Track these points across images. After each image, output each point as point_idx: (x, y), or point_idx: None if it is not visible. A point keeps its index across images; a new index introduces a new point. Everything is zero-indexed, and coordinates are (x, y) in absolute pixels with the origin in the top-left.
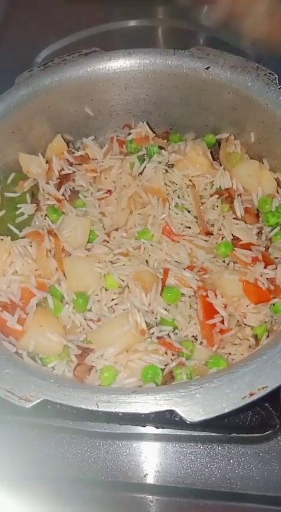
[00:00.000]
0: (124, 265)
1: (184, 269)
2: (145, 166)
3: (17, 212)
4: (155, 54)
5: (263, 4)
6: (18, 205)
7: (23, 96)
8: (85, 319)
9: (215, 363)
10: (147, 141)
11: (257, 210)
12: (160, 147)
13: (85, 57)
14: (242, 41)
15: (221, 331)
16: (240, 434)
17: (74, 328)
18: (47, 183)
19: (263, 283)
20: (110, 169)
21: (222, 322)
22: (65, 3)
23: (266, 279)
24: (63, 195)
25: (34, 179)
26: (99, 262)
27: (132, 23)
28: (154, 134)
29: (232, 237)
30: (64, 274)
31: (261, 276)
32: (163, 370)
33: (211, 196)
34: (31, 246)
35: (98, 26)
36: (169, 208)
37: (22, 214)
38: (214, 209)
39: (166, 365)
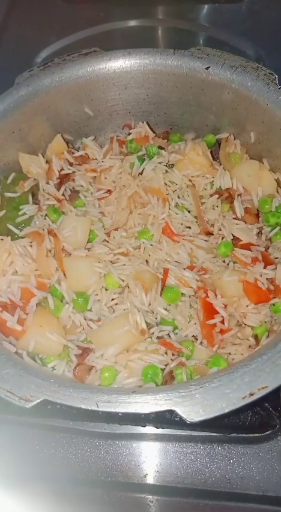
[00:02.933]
0: (124, 265)
1: (184, 269)
2: (144, 168)
3: (19, 213)
4: (155, 54)
5: None
6: (21, 207)
7: (23, 96)
8: (85, 319)
9: (216, 363)
10: (147, 141)
11: (257, 210)
12: (160, 147)
13: (85, 57)
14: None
15: (222, 331)
16: (240, 434)
17: (74, 328)
18: (47, 183)
19: (263, 283)
20: (110, 169)
21: (222, 322)
22: (65, 3)
23: (266, 279)
24: (63, 195)
25: (34, 179)
26: (99, 262)
27: (132, 23)
28: (154, 134)
29: (232, 237)
30: (64, 274)
31: (261, 276)
32: (163, 370)
33: (211, 196)
34: (31, 246)
35: (98, 26)
36: (169, 208)
37: (23, 214)
38: (214, 209)
39: (166, 365)
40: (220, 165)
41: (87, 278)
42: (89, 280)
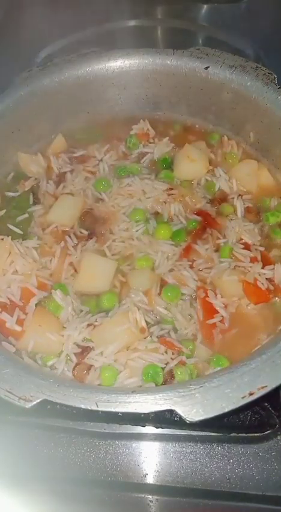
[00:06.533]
0: None
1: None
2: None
3: (26, 213)
4: (154, 54)
5: None
6: (28, 209)
7: (22, 97)
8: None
9: (218, 362)
10: (147, 138)
11: (258, 209)
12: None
13: (84, 57)
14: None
15: (222, 331)
16: (240, 434)
17: None
18: (47, 182)
19: (262, 283)
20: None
21: (222, 322)
22: (64, 3)
23: (265, 279)
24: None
25: (35, 178)
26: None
27: (132, 23)
28: (154, 133)
29: (235, 240)
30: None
31: (259, 275)
32: (163, 369)
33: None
34: (39, 246)
35: (98, 26)
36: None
37: (24, 213)
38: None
39: (166, 364)
40: (219, 165)
41: (98, 279)
42: (99, 282)
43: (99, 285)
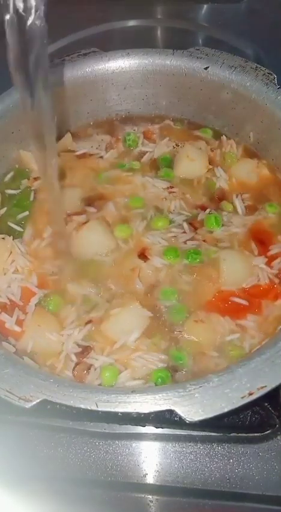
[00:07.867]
0: None
1: None
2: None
3: (24, 210)
4: (154, 54)
5: None
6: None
7: None
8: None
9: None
10: (152, 135)
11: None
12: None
13: (84, 58)
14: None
15: None
16: (240, 434)
17: None
18: None
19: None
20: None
21: None
22: (64, 3)
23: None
24: None
25: (40, 177)
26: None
27: (131, 23)
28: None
29: None
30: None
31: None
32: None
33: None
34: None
35: (97, 26)
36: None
37: (24, 211)
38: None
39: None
40: (219, 164)
41: (96, 244)
42: (98, 247)
43: (94, 249)
